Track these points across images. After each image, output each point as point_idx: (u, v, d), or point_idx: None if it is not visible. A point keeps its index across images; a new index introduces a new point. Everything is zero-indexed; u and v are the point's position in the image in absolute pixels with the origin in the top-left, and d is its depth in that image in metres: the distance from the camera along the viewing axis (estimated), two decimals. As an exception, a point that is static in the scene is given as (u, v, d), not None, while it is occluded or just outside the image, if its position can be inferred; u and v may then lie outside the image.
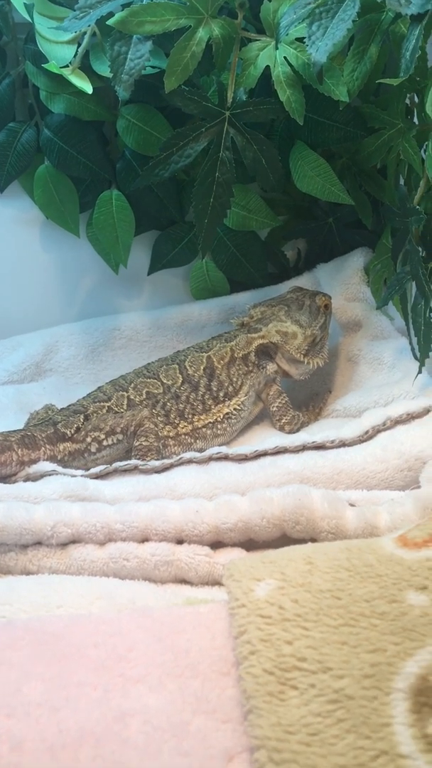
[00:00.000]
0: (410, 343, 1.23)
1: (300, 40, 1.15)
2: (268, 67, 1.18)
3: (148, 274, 1.51)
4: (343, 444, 1.03)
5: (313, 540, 0.87)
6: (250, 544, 0.90)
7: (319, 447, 1.03)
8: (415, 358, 1.17)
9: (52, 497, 0.95)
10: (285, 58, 1.16)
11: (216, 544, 0.90)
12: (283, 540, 0.89)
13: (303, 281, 1.45)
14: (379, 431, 1.04)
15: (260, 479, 0.98)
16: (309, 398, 1.35)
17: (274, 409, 1.26)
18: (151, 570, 0.86)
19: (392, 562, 0.66)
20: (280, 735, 0.52)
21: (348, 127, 1.26)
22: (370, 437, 1.03)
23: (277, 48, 1.15)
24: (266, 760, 0.51)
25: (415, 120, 1.20)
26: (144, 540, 0.89)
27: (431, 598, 0.61)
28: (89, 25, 1.19)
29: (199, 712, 0.57)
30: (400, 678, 0.55)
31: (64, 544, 0.89)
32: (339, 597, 0.62)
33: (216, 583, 0.86)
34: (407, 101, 1.20)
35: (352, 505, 0.91)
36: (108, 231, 1.40)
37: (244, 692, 0.57)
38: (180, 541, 0.89)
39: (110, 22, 1.11)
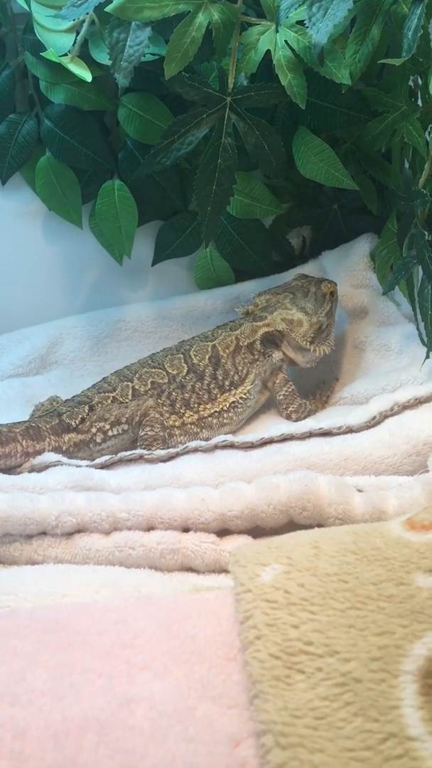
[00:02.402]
0: (417, 329, 1.21)
1: (301, 23, 1.14)
2: (269, 51, 1.17)
3: (152, 264, 1.50)
4: (350, 430, 1.02)
5: (321, 526, 0.86)
6: (257, 531, 0.90)
7: (326, 433, 1.02)
8: (423, 343, 1.16)
9: (57, 487, 0.95)
10: (286, 41, 1.15)
11: (222, 532, 0.89)
12: (291, 527, 0.88)
13: (308, 269, 1.44)
14: (386, 417, 1.03)
15: (266, 466, 0.97)
16: (316, 386, 1.34)
17: (281, 397, 1.24)
18: (157, 558, 0.86)
19: (400, 545, 0.65)
20: (286, 719, 0.51)
21: (351, 111, 1.25)
22: (378, 423, 1.02)
23: (277, 32, 1.14)
24: (273, 744, 0.50)
25: (419, 102, 1.19)
26: (149, 528, 0.88)
27: (440, 580, 0.60)
28: (87, 13, 1.18)
29: (205, 698, 0.56)
30: (409, 660, 0.54)
31: (69, 534, 0.88)
32: (346, 580, 0.62)
33: (223, 570, 0.86)
34: (410, 83, 1.19)
35: (359, 490, 0.90)
36: (111, 222, 1.40)
37: (250, 677, 0.56)
38: (186, 530, 0.88)
39: (108, 8, 1.10)
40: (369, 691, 0.52)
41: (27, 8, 1.22)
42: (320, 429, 1.02)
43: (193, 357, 1.22)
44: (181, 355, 1.22)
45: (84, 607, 0.68)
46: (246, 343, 1.24)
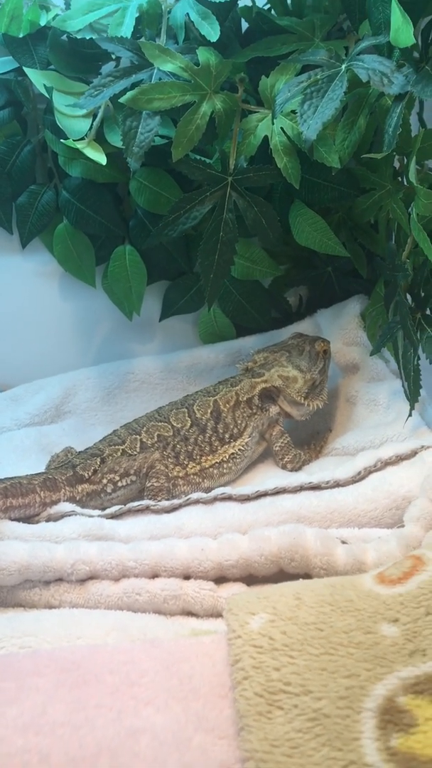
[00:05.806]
0: (402, 386, 1.31)
1: (295, 112, 1.25)
2: (266, 136, 1.29)
3: (160, 320, 1.62)
4: (337, 484, 1.12)
5: (307, 574, 0.96)
6: (251, 579, 0.99)
7: (315, 487, 1.12)
8: (407, 398, 1.26)
9: (72, 536, 1.05)
10: (281, 128, 1.27)
11: (219, 579, 0.99)
12: (281, 575, 0.98)
13: (305, 326, 1.54)
14: (370, 472, 1.12)
15: (260, 518, 1.07)
16: (311, 436, 1.43)
17: (277, 448, 1.35)
18: (160, 603, 0.96)
19: (370, 598, 0.75)
20: (266, 748, 0.61)
21: (342, 187, 1.36)
22: (362, 478, 1.12)
23: (273, 123, 1.26)
24: (255, 770, 0.60)
25: (405, 181, 1.30)
26: (154, 576, 0.98)
27: (401, 629, 0.70)
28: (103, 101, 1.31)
29: (200, 730, 0.66)
30: (370, 699, 0.64)
31: (82, 580, 0.98)
32: (321, 629, 0.71)
33: (219, 615, 0.95)
34: (396, 163, 1.30)
35: (343, 542, 1.00)
36: (122, 282, 1.51)
37: (237, 712, 0.66)
38: (187, 577, 0.98)
39: (122, 100, 1.22)
40: (336, 725, 0.62)
41: (49, 97, 1.35)
42: (310, 483, 1.12)
43: (196, 411, 1.32)
44: (185, 410, 1.32)
45: (96, 649, 0.78)
46: (245, 398, 1.35)
